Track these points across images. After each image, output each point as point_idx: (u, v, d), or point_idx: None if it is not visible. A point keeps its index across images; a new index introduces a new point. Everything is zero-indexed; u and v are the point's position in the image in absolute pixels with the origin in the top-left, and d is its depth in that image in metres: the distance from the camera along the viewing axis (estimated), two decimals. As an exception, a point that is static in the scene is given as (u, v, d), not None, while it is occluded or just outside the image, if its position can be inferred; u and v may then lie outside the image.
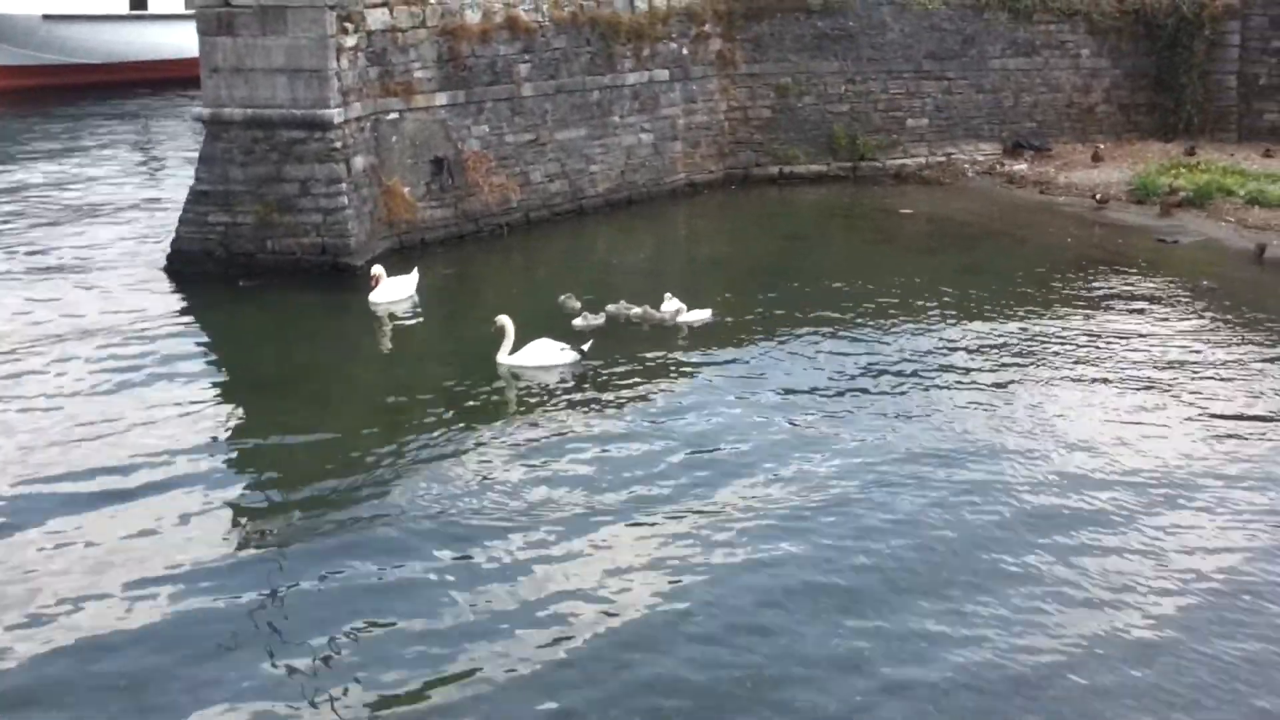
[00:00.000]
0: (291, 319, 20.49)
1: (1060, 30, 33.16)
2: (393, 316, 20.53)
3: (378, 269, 20.94)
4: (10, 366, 17.83)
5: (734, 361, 18.45)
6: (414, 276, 21.36)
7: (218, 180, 22.61)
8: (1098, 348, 19.12)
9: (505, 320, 17.83)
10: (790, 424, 16.05)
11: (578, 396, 16.92)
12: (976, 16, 32.56)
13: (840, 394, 17.18)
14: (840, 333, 19.73)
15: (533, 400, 16.81)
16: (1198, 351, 18.97)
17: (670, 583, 12.08)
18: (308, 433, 15.69)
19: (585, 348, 17.92)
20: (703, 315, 20.04)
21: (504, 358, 17.74)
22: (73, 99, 43.94)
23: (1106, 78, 33.60)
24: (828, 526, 13.23)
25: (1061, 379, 17.80)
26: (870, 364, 18.33)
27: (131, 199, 29.10)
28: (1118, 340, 19.47)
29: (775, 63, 31.17)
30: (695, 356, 18.60)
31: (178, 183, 28.74)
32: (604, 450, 15.10)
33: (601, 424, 15.96)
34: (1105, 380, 17.72)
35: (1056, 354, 18.84)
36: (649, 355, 18.59)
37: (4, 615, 11.47)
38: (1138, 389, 17.36)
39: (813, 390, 17.27)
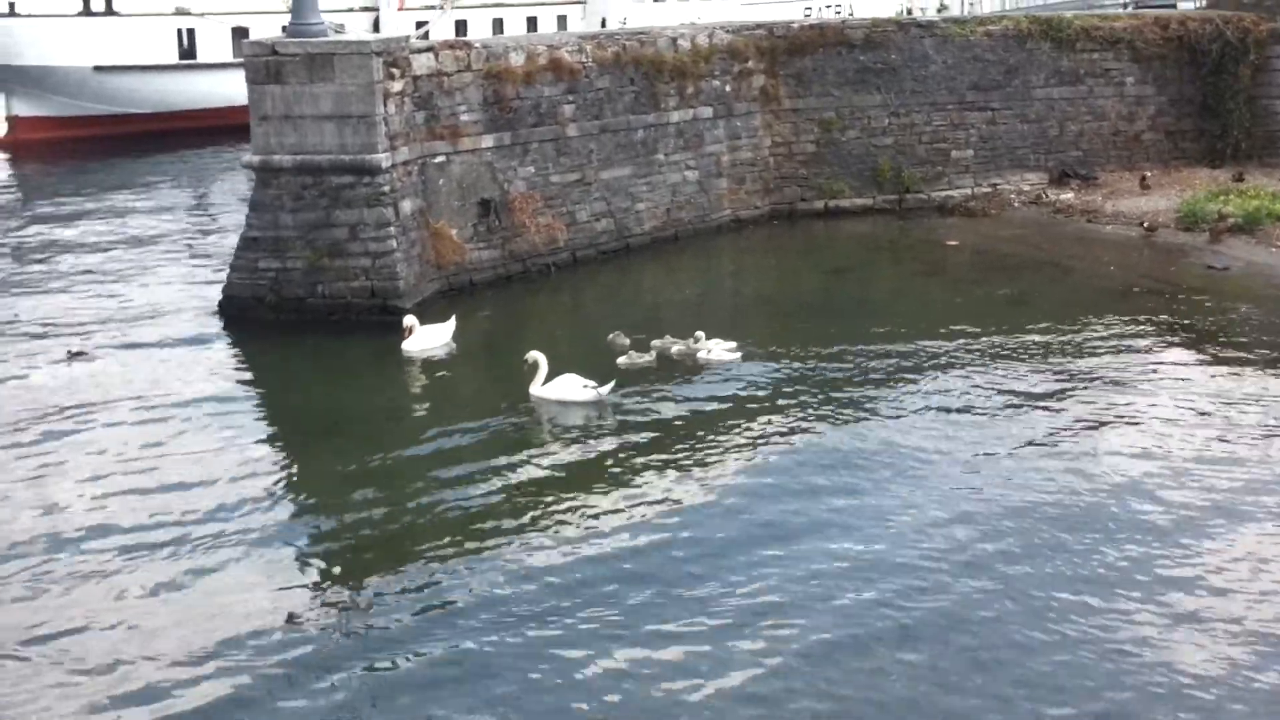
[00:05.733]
0: (341, 364, 20.64)
1: (1104, 58, 32.99)
2: (430, 363, 20.59)
3: (410, 319, 21.05)
4: (66, 409, 18.12)
5: (768, 398, 18.51)
6: (450, 325, 21.43)
7: (268, 226, 22.88)
8: (1149, 378, 18.99)
9: (537, 355, 18.40)
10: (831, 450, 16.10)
11: (602, 436, 17.19)
12: (1019, 47, 32.49)
13: (888, 426, 17.23)
14: (888, 366, 19.70)
15: (564, 442, 17.01)
16: (1249, 379, 18.80)
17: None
18: (352, 478, 15.87)
19: (605, 389, 18.17)
20: (735, 355, 20.11)
21: (535, 389, 18.36)
22: (124, 148, 44.51)
23: (1152, 105, 33.41)
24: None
25: (1114, 412, 17.68)
26: (915, 403, 18.29)
27: (182, 246, 29.44)
28: (1169, 370, 19.32)
29: (818, 97, 31.21)
30: (728, 393, 18.74)
31: (228, 230, 29.07)
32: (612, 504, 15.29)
33: (621, 468, 16.14)
34: (1158, 409, 17.61)
35: (1109, 385, 18.73)
36: (677, 394, 18.73)
37: (59, 663, 11.68)
38: (1191, 419, 17.24)
39: (860, 420, 17.32)
